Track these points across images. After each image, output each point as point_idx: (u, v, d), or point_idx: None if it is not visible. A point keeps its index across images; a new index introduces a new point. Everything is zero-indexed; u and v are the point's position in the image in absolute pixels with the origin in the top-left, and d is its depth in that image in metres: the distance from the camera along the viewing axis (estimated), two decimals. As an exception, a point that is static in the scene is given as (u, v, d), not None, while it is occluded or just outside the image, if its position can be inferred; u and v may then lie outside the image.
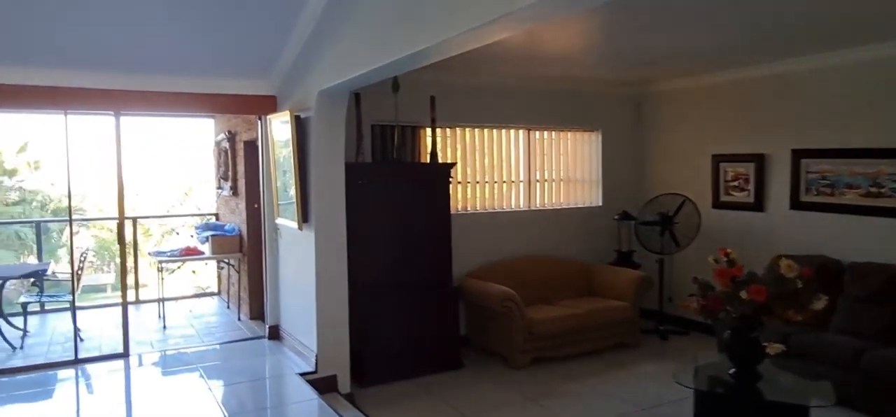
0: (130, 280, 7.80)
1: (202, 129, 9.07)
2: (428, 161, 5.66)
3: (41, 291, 6.52)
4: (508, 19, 2.69)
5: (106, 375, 5.08)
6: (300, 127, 4.78)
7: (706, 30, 4.65)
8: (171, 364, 5.43)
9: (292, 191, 4.87)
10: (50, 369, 5.17)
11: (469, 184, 6.35)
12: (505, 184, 6.58)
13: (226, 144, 7.40)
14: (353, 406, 4.63)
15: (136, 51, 4.70)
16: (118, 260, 5.44)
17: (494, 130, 6.47)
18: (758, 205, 5.96)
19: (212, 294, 8.47)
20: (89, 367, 5.25)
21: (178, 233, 10.23)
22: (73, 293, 5.59)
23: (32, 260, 9.53)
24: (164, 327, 6.65)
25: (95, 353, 5.60)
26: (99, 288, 13.92)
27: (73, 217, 5.53)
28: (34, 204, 14.60)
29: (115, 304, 6.88)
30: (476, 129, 6.35)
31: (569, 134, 6.96)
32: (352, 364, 4.91)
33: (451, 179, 5.61)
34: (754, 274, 3.75)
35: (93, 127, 9.25)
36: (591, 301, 6.20)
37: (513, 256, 6.42)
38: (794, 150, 5.61)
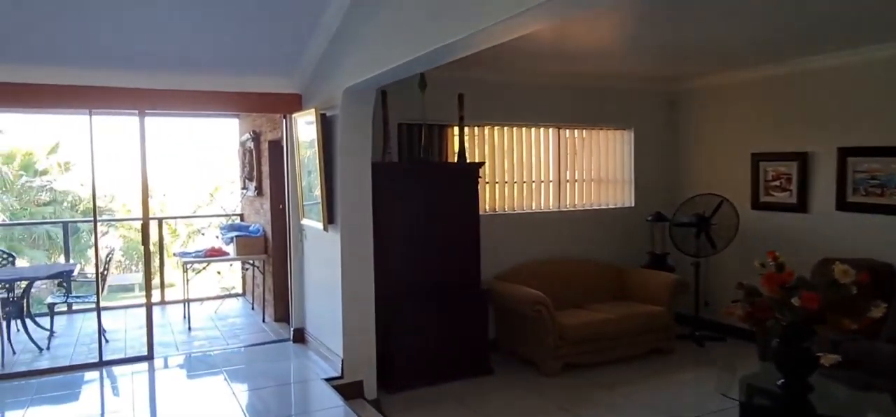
0: (156, 280, 7.79)
1: (227, 130, 9.06)
2: (456, 160, 5.51)
3: (68, 292, 6.52)
4: (541, 10, 2.55)
5: (130, 378, 5.03)
6: (326, 125, 4.66)
7: (748, 22, 4.42)
8: (195, 366, 5.37)
9: (318, 192, 4.76)
10: (75, 371, 5.13)
11: (497, 184, 6.18)
12: (534, 185, 6.40)
13: (250, 144, 7.34)
14: (380, 413, 4.49)
15: (161, 49, 4.64)
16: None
17: (523, 129, 6.30)
18: (801, 205, 5.69)
19: (236, 295, 8.42)
20: (114, 369, 5.20)
21: (203, 234, 10.23)
22: (97, 294, 5.55)
23: (62, 259, 9.59)
24: (189, 328, 6.60)
25: (120, 355, 5.56)
26: (127, 288, 14.06)
27: (100, 217, 5.50)
28: (64, 204, 14.80)
29: (142, 305, 6.86)
30: (504, 128, 6.19)
31: (600, 132, 6.75)
32: (377, 369, 4.78)
33: (479, 179, 5.45)
34: (804, 279, 3.53)
35: (121, 127, 9.29)
36: (624, 305, 5.99)
37: (542, 258, 6.24)
38: (840, 148, 5.34)
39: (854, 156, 5.24)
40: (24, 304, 5.87)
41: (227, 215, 11.09)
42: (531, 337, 5.44)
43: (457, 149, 5.52)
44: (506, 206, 6.25)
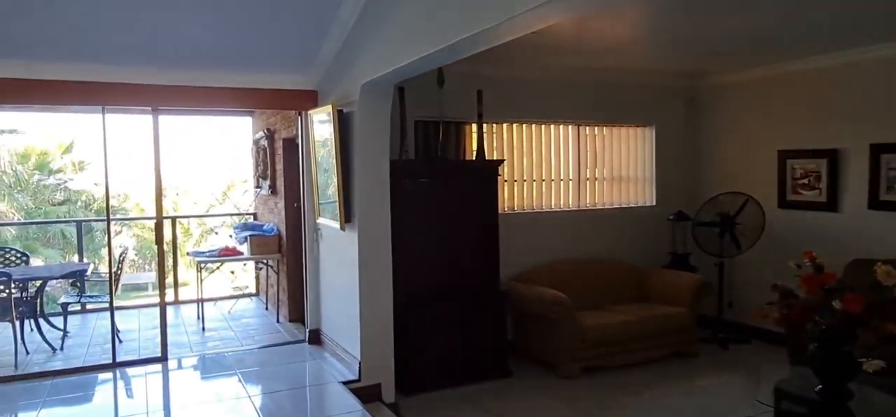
0: (169, 279, 7.73)
1: (240, 128, 8.99)
2: (474, 158, 5.38)
3: (81, 292, 6.46)
4: (564, 2, 2.47)
5: (144, 379, 4.95)
6: (343, 122, 4.55)
7: (776, 13, 4.27)
8: (209, 368, 5.28)
9: (334, 190, 4.65)
10: (88, 372, 5.06)
11: (516, 183, 6.04)
12: (553, 183, 6.26)
13: (264, 142, 7.25)
14: (398, 417, 4.39)
15: (175, 45, 4.56)
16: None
17: (542, 126, 6.16)
18: (830, 204, 5.51)
19: (250, 295, 8.34)
20: (128, 371, 5.12)
21: (217, 233, 10.18)
22: (111, 294, 5.48)
23: (76, 259, 9.58)
24: (203, 329, 6.52)
25: (134, 356, 5.48)
26: (140, 287, 14.08)
27: (114, 217, 5.42)
28: (79, 203, 14.83)
29: (155, 304, 6.79)
30: (523, 125, 6.05)
31: (620, 129, 6.59)
32: (394, 371, 4.66)
33: (499, 177, 5.32)
34: (843, 280, 3.37)
35: (134, 127, 9.25)
36: (645, 306, 5.83)
37: (561, 258, 6.10)
38: (872, 145, 5.16)
39: (888, 153, 5.06)
40: (38, 304, 5.81)
41: (240, 214, 11.05)
42: (551, 338, 5.31)
43: (475, 146, 5.40)
44: (524, 205, 6.11)
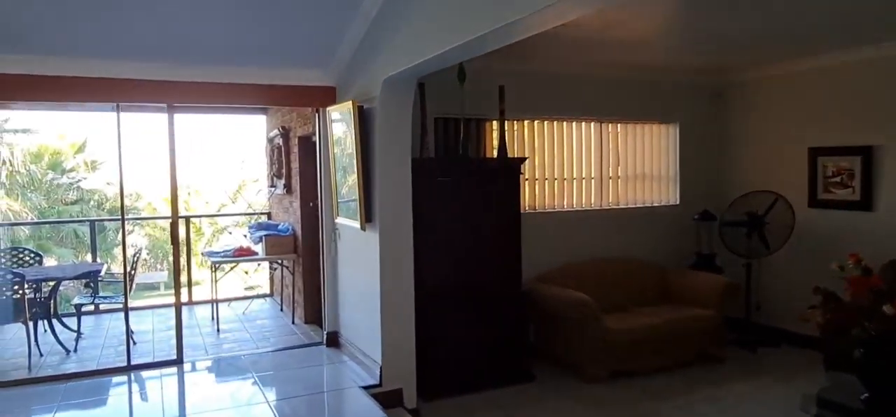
0: (183, 277, 7.63)
1: (254, 126, 8.90)
2: (495, 156, 5.24)
3: (95, 292, 6.37)
4: None
5: (159, 382, 4.85)
6: (363, 118, 4.41)
7: (808, 5, 4.10)
8: (225, 371, 5.17)
9: (354, 189, 4.52)
10: (102, 375, 4.96)
11: (536, 181, 5.90)
12: (575, 181, 6.10)
13: (279, 141, 7.14)
14: (421, 423, 4.25)
15: (190, 41, 4.45)
16: (171, 258, 5.23)
17: (564, 123, 6.01)
18: (865, 203, 5.32)
19: (264, 295, 8.24)
20: (142, 374, 5.02)
21: (231, 233, 10.10)
22: (125, 295, 5.38)
23: (89, 258, 9.53)
24: (218, 330, 6.42)
25: (148, 358, 5.39)
26: (152, 286, 14.05)
27: (128, 216, 5.32)
28: (91, 203, 14.84)
29: (169, 305, 6.71)
30: (544, 122, 5.90)
31: (644, 126, 6.43)
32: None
33: (521, 175, 5.18)
34: (894, 283, 3.20)
35: (147, 126, 9.19)
36: (671, 308, 5.67)
37: (583, 259, 5.95)
38: (910, 142, 4.98)
39: (927, 150, 4.88)
40: (51, 305, 5.73)
41: (254, 213, 10.97)
42: (574, 341, 5.16)
43: (496, 143, 5.25)
44: (545, 204, 5.96)
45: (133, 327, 5.94)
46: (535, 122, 5.85)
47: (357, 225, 4.57)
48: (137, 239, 14.60)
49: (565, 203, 6.06)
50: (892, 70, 5.10)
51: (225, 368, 5.22)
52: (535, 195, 5.89)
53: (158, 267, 15.40)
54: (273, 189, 7.78)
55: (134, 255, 6.17)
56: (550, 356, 5.44)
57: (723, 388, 5.01)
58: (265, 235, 6.74)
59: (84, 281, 6.32)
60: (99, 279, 6.39)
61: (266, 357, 5.44)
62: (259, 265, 8.21)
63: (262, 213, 8.90)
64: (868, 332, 3.12)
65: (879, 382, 3.16)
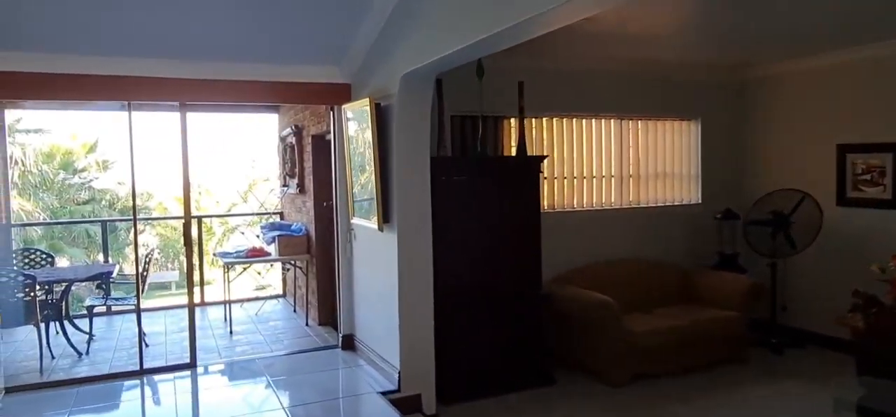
0: (195, 276, 7.55)
1: (266, 125, 8.82)
2: (515, 154, 5.10)
3: (107, 294, 6.29)
4: None
5: (172, 386, 4.75)
6: (380, 116, 4.29)
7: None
8: (239, 375, 5.07)
9: (372, 189, 4.40)
10: (115, 379, 4.87)
11: (555, 180, 5.76)
12: (594, 180, 5.96)
13: (292, 139, 7.04)
14: (440, 429, 4.13)
15: (202, 37, 4.35)
16: (182, 257, 5.14)
17: (582, 120, 5.86)
18: (896, 201, 5.16)
19: (276, 296, 8.15)
20: (155, 378, 4.93)
21: (243, 233, 10.02)
22: (137, 298, 5.29)
23: (101, 258, 9.48)
24: (231, 332, 6.32)
25: (161, 361, 5.30)
26: (164, 286, 14.03)
27: (139, 216, 5.23)
28: (103, 203, 14.82)
29: (181, 306, 6.63)
30: (563, 119, 5.76)
31: (664, 123, 6.27)
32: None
33: (541, 174, 5.04)
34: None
35: (157, 125, 9.13)
36: (693, 309, 5.52)
37: (602, 259, 5.81)
38: (945, 138, 4.81)
39: (963, 147, 4.70)
40: (63, 306, 5.65)
41: (266, 213, 10.89)
42: (595, 344, 5.03)
43: (515, 141, 5.12)
44: (564, 203, 5.82)
45: (145, 328, 5.87)
46: (554, 120, 5.71)
47: (374, 225, 4.45)
48: (149, 238, 14.57)
49: (584, 202, 5.92)
50: (925, 63, 4.93)
51: (238, 372, 5.12)
52: (553, 194, 5.75)
53: (169, 266, 15.38)
54: (285, 188, 7.69)
55: (146, 256, 6.08)
56: (571, 359, 5.29)
57: (749, 391, 4.86)
58: (278, 235, 6.64)
59: (96, 282, 6.24)
60: (111, 280, 6.31)
61: (280, 360, 5.34)
62: (271, 265, 8.12)
63: (274, 213, 8.82)
64: (914, 338, 2.98)
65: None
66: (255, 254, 6.79)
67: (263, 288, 8.93)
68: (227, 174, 16.22)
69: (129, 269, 8.40)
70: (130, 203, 5.15)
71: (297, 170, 6.95)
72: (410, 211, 4.26)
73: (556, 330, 5.39)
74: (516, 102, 5.00)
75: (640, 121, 6.15)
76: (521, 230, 4.94)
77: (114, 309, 6.74)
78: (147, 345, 5.61)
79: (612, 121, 5.99)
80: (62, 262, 12.97)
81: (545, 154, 5.45)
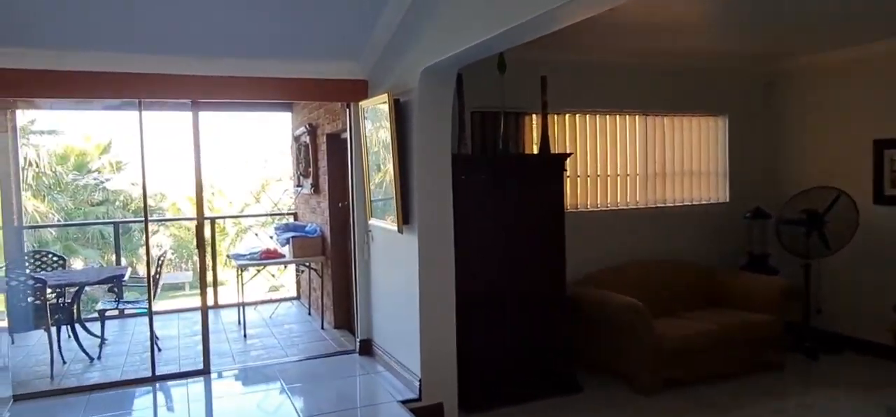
0: (208, 277, 7.42)
1: (279, 124, 8.68)
2: (537, 152, 4.91)
3: (119, 297, 6.17)
4: None
5: (185, 392, 4.61)
6: (400, 113, 4.11)
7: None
8: (253, 380, 4.92)
9: (382, 188, 4.22)
10: (126, 386, 4.73)
11: (578, 179, 5.56)
12: (618, 178, 5.75)
13: (306, 138, 6.89)
14: (463, 440, 3.95)
15: (214, 33, 4.21)
16: (196, 258, 5.02)
17: (606, 116, 5.66)
18: (940, 199, 4.91)
19: (291, 298, 8.01)
20: (168, 384, 4.79)
21: (257, 234, 9.91)
22: (149, 302, 5.15)
23: (114, 259, 9.39)
24: (245, 336, 6.18)
25: (174, 366, 5.17)
26: (177, 287, 13.96)
27: (151, 218, 5.09)
28: (117, 203, 14.79)
29: (195, 309, 6.50)
30: (585, 116, 5.56)
31: (691, 119, 6.05)
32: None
33: (565, 172, 4.85)
34: None
35: (170, 124, 9.03)
36: (724, 313, 5.29)
37: (626, 260, 5.60)
38: None
39: None
40: (75, 310, 5.53)
41: (279, 214, 10.77)
42: (623, 349, 4.82)
43: (538, 138, 4.93)
44: (587, 203, 5.62)
45: (159, 331, 5.75)
46: (577, 116, 5.51)
47: (393, 227, 4.28)
48: (162, 239, 14.52)
49: (608, 201, 5.72)
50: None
51: (253, 378, 4.97)
52: (576, 193, 5.55)
53: (183, 266, 15.32)
54: (299, 188, 7.54)
55: (159, 257, 5.95)
56: (597, 364, 5.09)
57: (787, 399, 4.65)
58: (292, 236, 6.49)
59: (108, 286, 6.12)
60: (123, 283, 6.18)
61: (296, 365, 5.18)
62: (285, 266, 7.98)
63: (287, 213, 8.68)
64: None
65: None
66: (269, 256, 6.65)
67: (277, 288, 8.79)
68: (241, 174, 16.15)
69: (143, 270, 8.29)
70: (143, 203, 5.01)
71: (311, 169, 6.80)
72: (431, 212, 4.08)
73: (582, 335, 5.19)
74: (539, 98, 4.80)
75: (665, 118, 5.93)
76: (545, 230, 4.74)
77: (126, 311, 6.61)
78: (159, 350, 5.48)
79: (636, 117, 5.78)
80: (77, 263, 12.93)
81: (569, 151, 5.25)
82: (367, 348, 5.20)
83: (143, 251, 12.06)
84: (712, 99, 6.05)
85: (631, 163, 5.79)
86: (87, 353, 5.42)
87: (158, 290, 5.76)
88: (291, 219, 8.12)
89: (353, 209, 5.20)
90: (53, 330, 5.22)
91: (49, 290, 5.23)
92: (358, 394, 4.55)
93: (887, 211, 5.26)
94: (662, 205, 5.93)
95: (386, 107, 4.09)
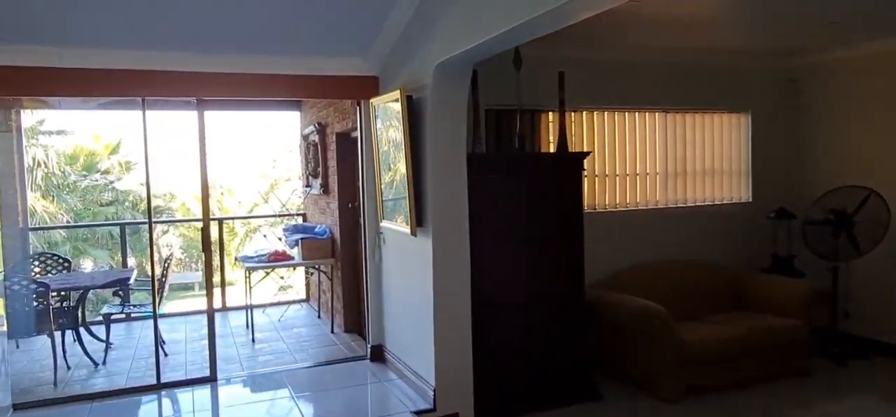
0: (216, 277, 7.29)
1: (287, 123, 8.54)
2: (554, 151, 4.72)
3: (125, 300, 6.03)
4: None
5: (191, 401, 4.47)
6: (412, 110, 3.94)
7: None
8: (262, 387, 4.76)
9: (401, 188, 4.06)
10: (131, 394, 4.60)
11: (596, 178, 5.38)
12: (638, 177, 5.56)
13: (315, 138, 6.74)
14: (480, 452, 3.77)
15: (220, 29, 4.06)
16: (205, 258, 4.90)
17: (625, 114, 5.47)
18: (978, 199, 4.68)
19: (300, 301, 7.86)
20: (175, 391, 4.65)
21: (265, 236, 9.78)
22: (154, 306, 5.01)
23: (121, 260, 9.29)
24: (253, 340, 6.04)
25: (180, 372, 5.03)
26: (187, 287, 13.88)
27: (156, 219, 4.96)
28: (126, 204, 14.73)
29: (202, 312, 6.36)
30: (604, 113, 5.38)
31: (713, 116, 5.84)
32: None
33: (583, 171, 4.66)
34: None
35: (179, 123, 8.90)
36: (748, 317, 5.09)
37: (645, 262, 5.41)
38: None
39: None
40: (79, 314, 5.40)
41: (288, 215, 10.64)
42: (645, 355, 4.63)
43: (553, 137, 4.75)
44: (606, 203, 5.43)
45: (165, 335, 5.62)
46: (595, 113, 5.33)
47: (405, 229, 4.11)
48: (171, 239, 14.45)
49: (627, 200, 5.53)
50: None
51: (261, 384, 4.82)
52: (595, 192, 5.37)
53: (193, 266, 15.25)
54: (308, 189, 7.39)
55: (166, 260, 5.82)
56: (617, 370, 4.90)
57: (816, 407, 4.45)
58: (301, 238, 6.34)
59: (113, 289, 5.98)
60: (129, 285, 6.05)
61: (305, 372, 5.02)
62: (294, 268, 7.85)
63: (296, 214, 8.54)
64: None
65: None
66: (278, 258, 6.50)
67: (286, 289, 8.65)
68: (249, 174, 16.06)
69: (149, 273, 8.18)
70: (153, 204, 4.87)
71: (320, 169, 6.65)
72: (446, 214, 3.91)
73: (601, 340, 5.01)
74: (556, 95, 4.61)
75: (686, 115, 5.73)
76: (563, 232, 4.56)
77: (132, 315, 6.49)
78: (166, 355, 5.35)
79: (657, 114, 5.59)
80: (86, 264, 12.87)
81: (587, 150, 5.06)
82: (378, 354, 5.04)
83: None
84: (734, 95, 5.85)
85: (651, 161, 5.60)
86: (91, 359, 5.29)
87: (165, 292, 5.63)
88: (300, 220, 7.98)
89: (363, 210, 5.03)
90: (57, 334, 5.09)
91: (52, 294, 5.10)
92: (369, 404, 4.38)
93: (920, 211, 5.04)
94: (683, 205, 5.74)
95: (398, 105, 3.93)
